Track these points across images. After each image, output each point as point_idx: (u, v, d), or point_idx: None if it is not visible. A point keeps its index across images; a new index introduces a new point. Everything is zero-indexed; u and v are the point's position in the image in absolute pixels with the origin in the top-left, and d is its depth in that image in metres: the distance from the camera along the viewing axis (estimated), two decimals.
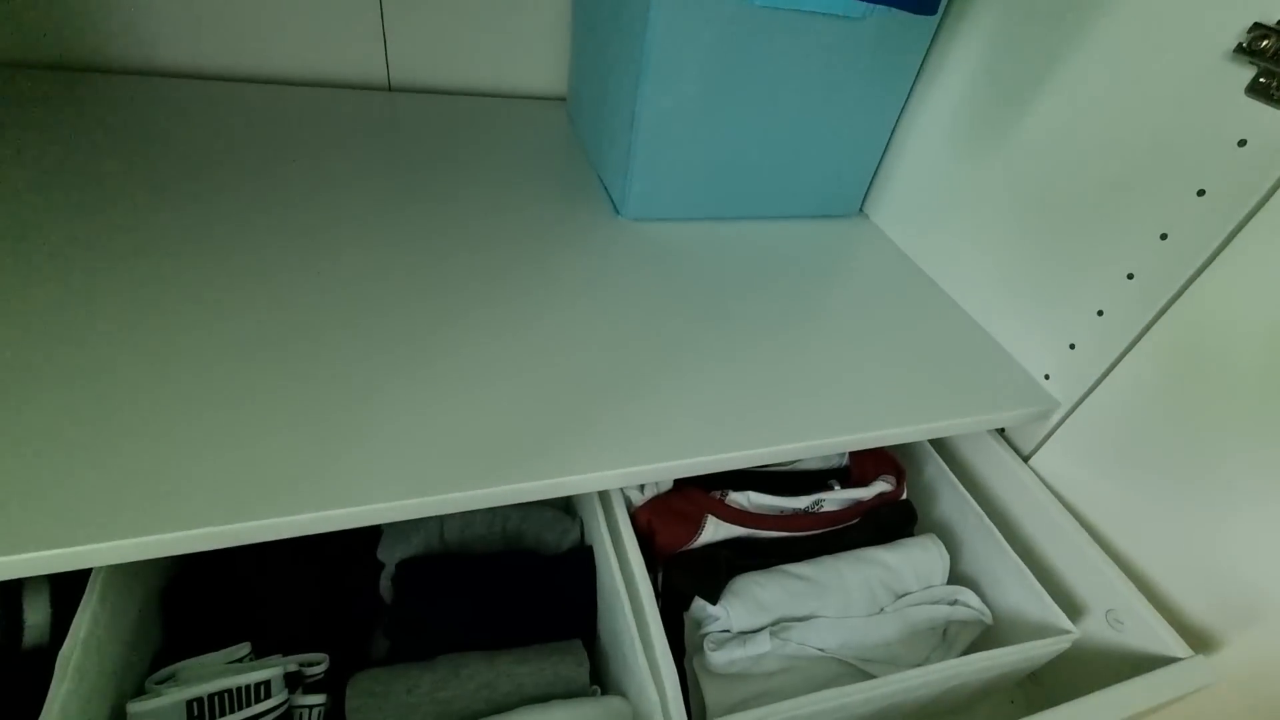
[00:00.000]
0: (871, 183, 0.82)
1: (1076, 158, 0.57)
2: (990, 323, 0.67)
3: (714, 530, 0.55)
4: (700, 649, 0.51)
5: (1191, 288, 0.50)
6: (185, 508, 0.38)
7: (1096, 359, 0.57)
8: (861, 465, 0.63)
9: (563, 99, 0.94)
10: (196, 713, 0.40)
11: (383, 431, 0.45)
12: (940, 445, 0.69)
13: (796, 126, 0.71)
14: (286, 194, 0.64)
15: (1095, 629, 0.56)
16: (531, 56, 0.90)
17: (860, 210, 0.84)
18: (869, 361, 0.60)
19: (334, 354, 0.49)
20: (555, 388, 0.51)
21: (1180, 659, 0.50)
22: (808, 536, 0.58)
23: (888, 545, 0.58)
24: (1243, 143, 0.46)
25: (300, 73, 0.83)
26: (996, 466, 0.65)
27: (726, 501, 0.56)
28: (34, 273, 0.51)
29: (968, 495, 0.62)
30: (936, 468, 0.66)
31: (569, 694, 0.48)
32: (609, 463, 0.46)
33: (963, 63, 0.67)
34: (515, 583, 0.53)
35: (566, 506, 0.63)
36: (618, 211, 0.73)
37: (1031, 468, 0.63)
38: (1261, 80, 0.44)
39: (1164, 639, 0.51)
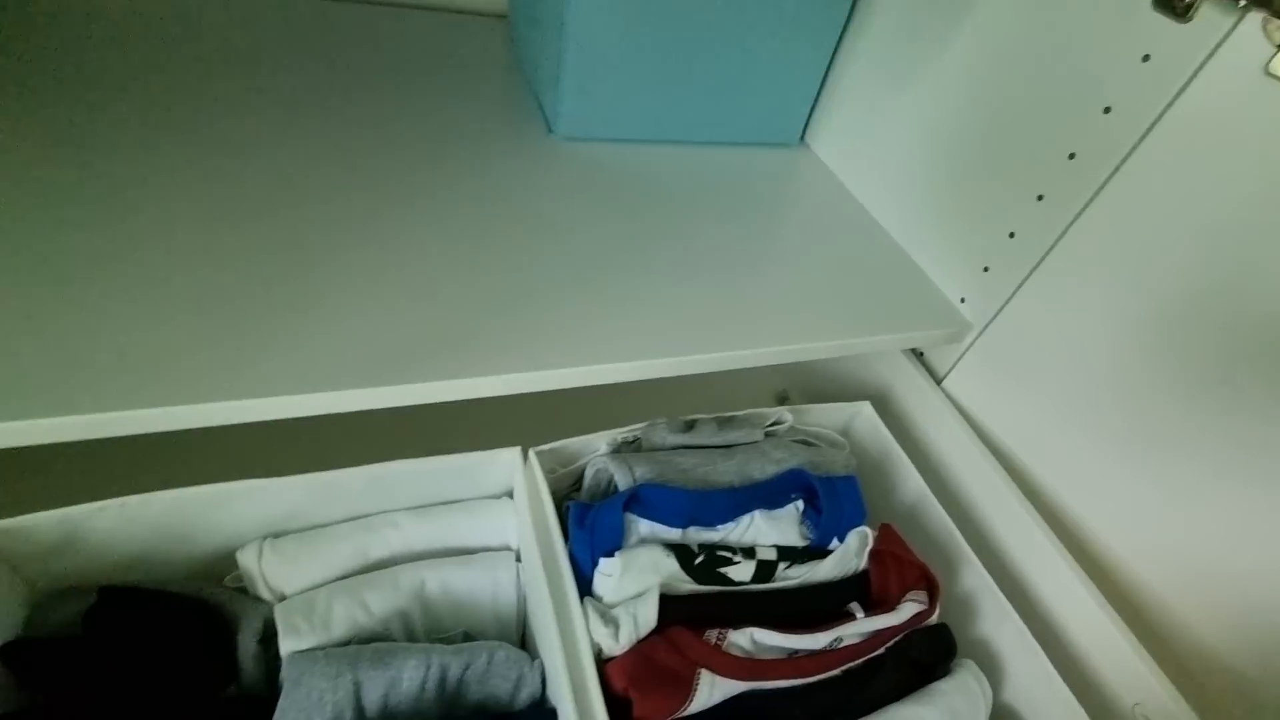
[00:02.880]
0: (812, 112, 0.81)
1: (992, 83, 0.58)
2: (915, 249, 0.69)
3: (709, 691, 0.41)
4: None
5: (1094, 202, 0.51)
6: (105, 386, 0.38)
7: (1007, 280, 0.59)
8: (883, 573, 0.50)
9: (504, 16, 0.91)
10: None
11: (297, 327, 0.45)
12: (962, 520, 0.59)
13: (734, 46, 0.70)
14: (217, 106, 0.62)
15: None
16: None
17: (801, 140, 0.84)
18: (797, 283, 0.62)
19: (257, 256, 0.49)
20: (478, 295, 0.51)
21: None
22: (827, 682, 0.46)
23: (924, 697, 0.47)
24: (1146, 58, 0.47)
25: None
26: (911, 388, 0.67)
27: (724, 648, 0.43)
28: None
29: (1010, 608, 0.51)
30: (977, 578, 0.53)
31: None
32: (529, 364, 0.46)
33: None
34: None
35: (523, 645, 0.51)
36: (550, 130, 0.72)
37: (944, 389, 0.65)
38: None
39: None
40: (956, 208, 0.63)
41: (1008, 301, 0.59)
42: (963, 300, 0.64)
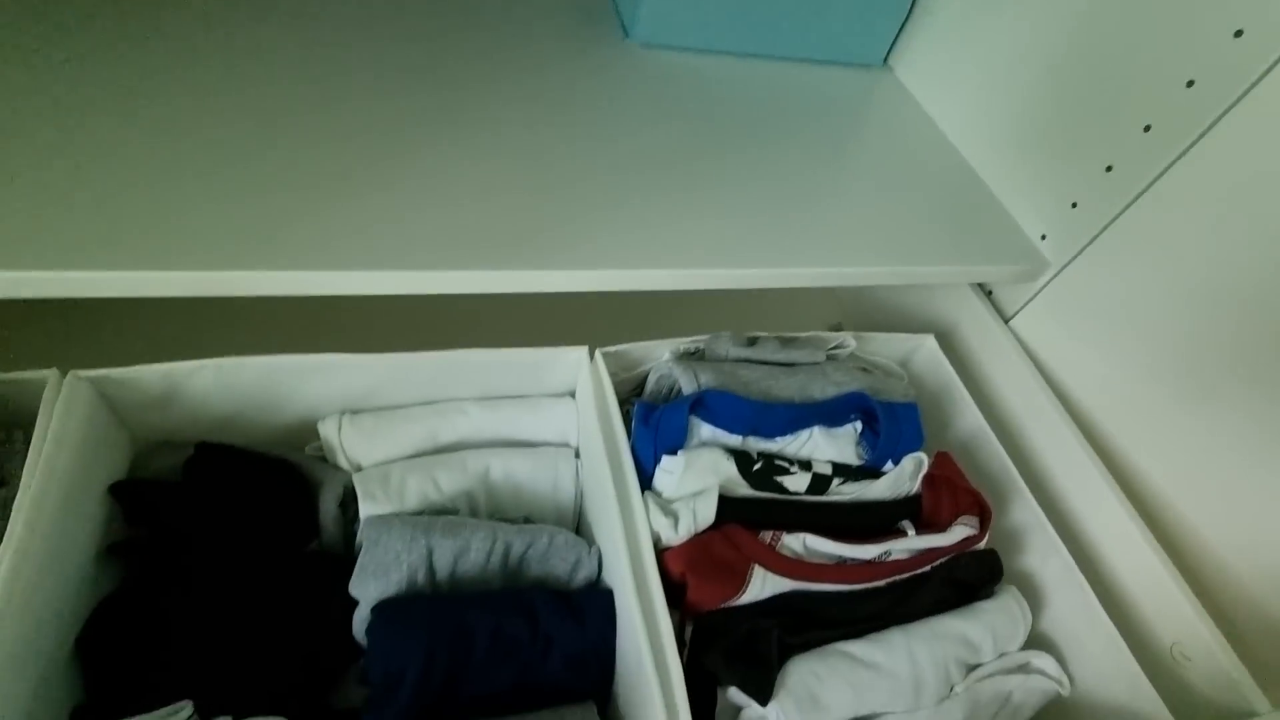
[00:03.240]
0: (899, 34, 0.77)
1: (1107, 1, 0.54)
2: (996, 181, 0.66)
3: (761, 585, 0.44)
4: None
5: (1207, 135, 0.48)
6: (183, 250, 0.40)
7: (1096, 218, 0.56)
8: (936, 498, 0.50)
9: None
10: None
11: (382, 210, 0.46)
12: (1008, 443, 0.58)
13: None
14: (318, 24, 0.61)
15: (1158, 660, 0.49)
16: None
17: (885, 63, 0.80)
18: (867, 207, 0.61)
19: (347, 143, 0.50)
20: (548, 194, 0.52)
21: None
22: (871, 591, 0.47)
23: (967, 612, 0.48)
24: None
25: None
26: (976, 325, 0.66)
27: (778, 549, 0.45)
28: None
29: (1059, 543, 0.52)
30: (1028, 512, 0.54)
31: None
32: (592, 263, 0.47)
33: None
34: (516, 630, 0.43)
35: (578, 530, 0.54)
36: (626, 34, 0.70)
37: (1011, 328, 0.64)
38: None
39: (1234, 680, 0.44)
40: (1050, 137, 0.60)
41: (1093, 240, 0.57)
42: (1043, 237, 0.61)
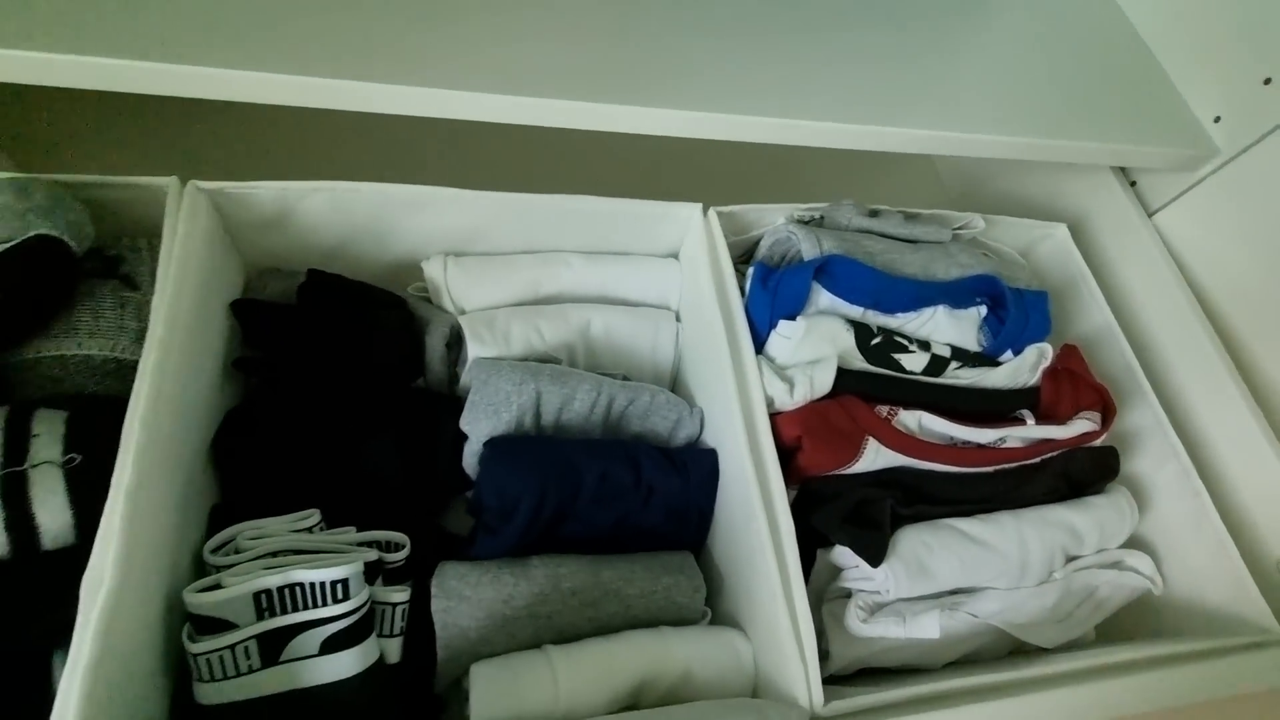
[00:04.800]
0: None
1: None
2: (1167, 49, 0.58)
3: (874, 457, 0.43)
4: (840, 600, 0.43)
5: None
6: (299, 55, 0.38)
7: None
8: (1057, 390, 0.48)
9: None
10: (265, 604, 0.34)
11: (489, 32, 0.44)
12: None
13: None
14: None
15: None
16: None
17: None
18: (1004, 69, 0.55)
19: None
20: (663, 36, 0.48)
21: None
22: (982, 475, 0.46)
23: (1078, 504, 0.47)
24: None
25: None
26: (1112, 217, 0.60)
27: (894, 424, 0.44)
28: None
29: (1180, 447, 0.50)
30: (1150, 415, 0.51)
31: (680, 620, 0.43)
32: (702, 104, 0.45)
33: None
34: (621, 475, 0.43)
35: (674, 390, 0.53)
36: None
37: (1154, 224, 0.58)
38: None
39: None
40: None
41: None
42: (1217, 119, 0.54)
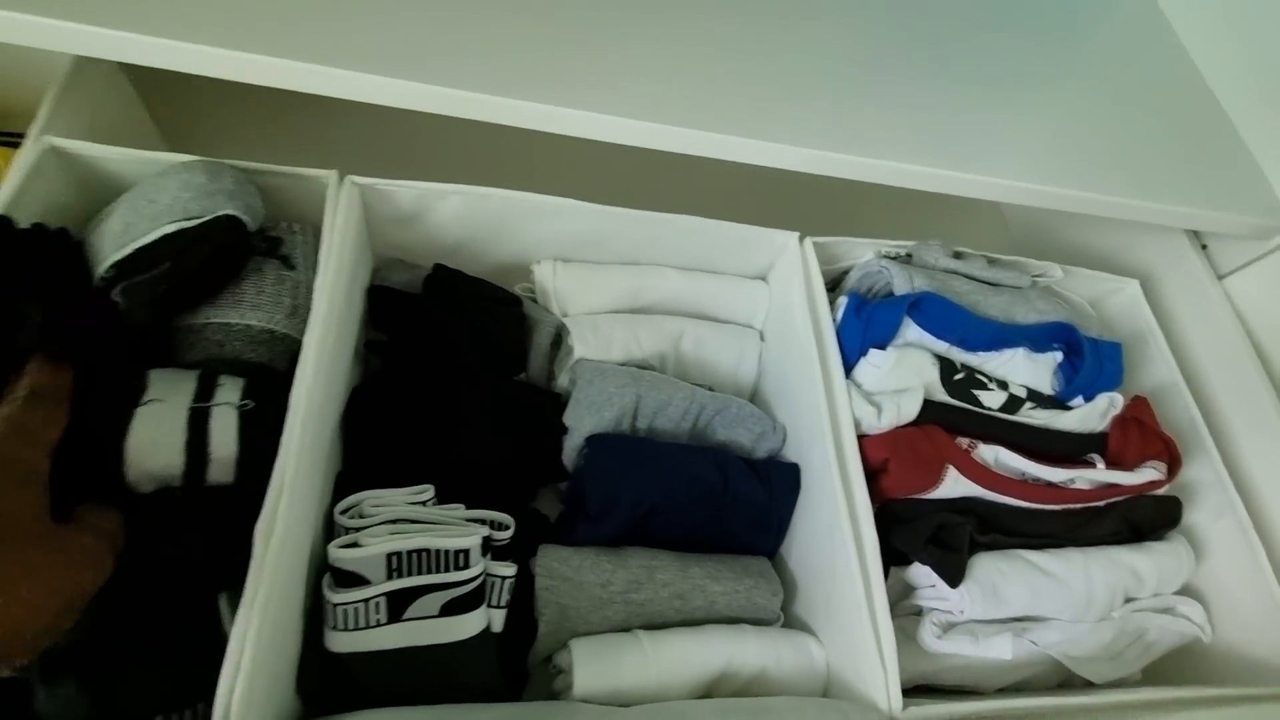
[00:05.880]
0: None
1: None
2: (1247, 121, 0.60)
3: (952, 485, 0.46)
4: (909, 617, 0.45)
5: None
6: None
7: None
8: (1124, 439, 0.50)
9: None
10: (395, 565, 0.37)
11: (618, 62, 0.47)
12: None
13: None
14: None
15: None
16: None
17: None
18: (1084, 124, 0.58)
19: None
20: (764, 74, 0.52)
21: None
22: (1050, 512, 0.48)
23: (1140, 548, 0.49)
24: None
25: None
26: (1182, 276, 0.63)
27: (973, 456, 0.47)
28: None
29: (1238, 501, 0.52)
30: (1210, 470, 0.53)
31: (757, 620, 0.46)
32: (802, 141, 0.48)
33: None
34: (710, 480, 0.46)
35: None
36: None
37: (1224, 287, 0.61)
38: None
39: None
40: None
41: None
42: None
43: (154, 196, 0.38)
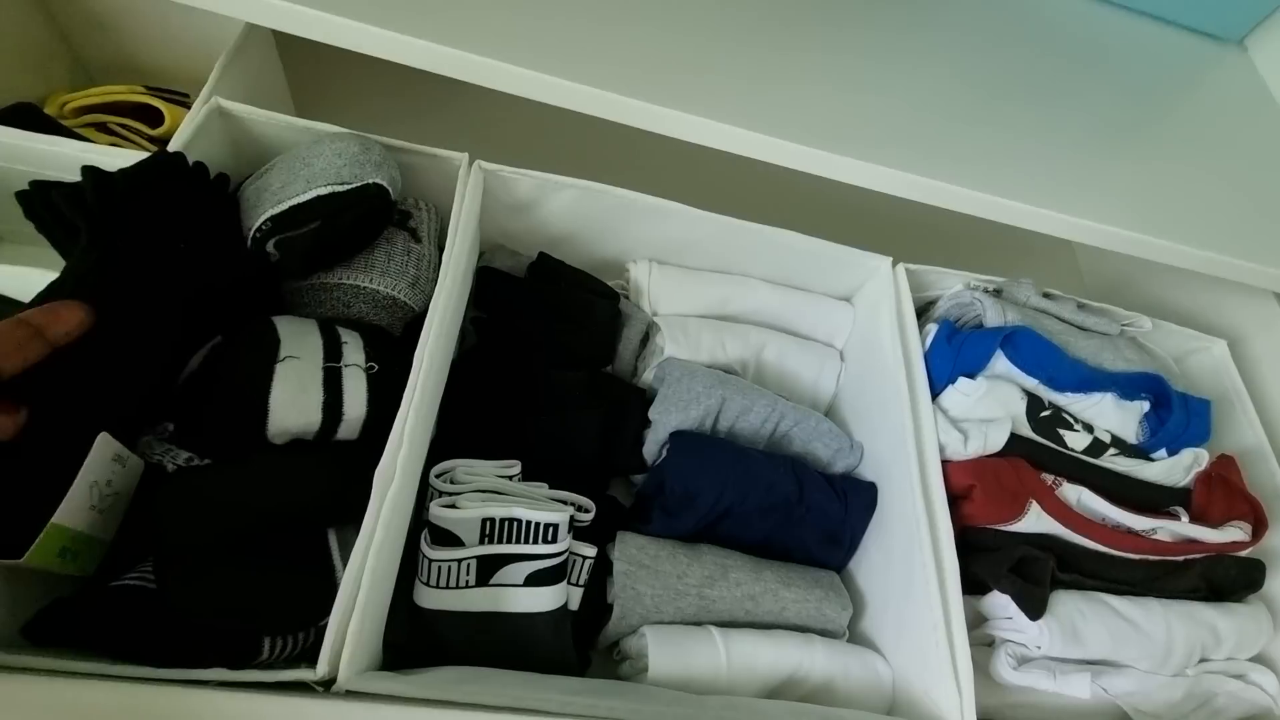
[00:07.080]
0: (1267, 16, 0.70)
1: None
2: None
3: (1034, 520, 0.46)
4: (980, 647, 0.45)
5: None
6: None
7: None
8: (1209, 496, 0.50)
9: None
10: (488, 531, 0.39)
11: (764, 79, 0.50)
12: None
13: None
14: None
15: None
16: None
17: (1240, 41, 0.73)
18: (1182, 180, 0.59)
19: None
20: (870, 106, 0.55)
21: None
22: (1129, 560, 0.48)
23: (1221, 607, 0.48)
24: None
25: None
26: (1268, 335, 0.62)
27: (1057, 493, 0.46)
28: None
29: None
30: None
31: (824, 632, 0.46)
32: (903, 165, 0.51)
33: None
34: (786, 490, 0.47)
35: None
36: None
37: None
38: None
39: None
40: None
41: None
42: None
43: (310, 160, 0.41)
